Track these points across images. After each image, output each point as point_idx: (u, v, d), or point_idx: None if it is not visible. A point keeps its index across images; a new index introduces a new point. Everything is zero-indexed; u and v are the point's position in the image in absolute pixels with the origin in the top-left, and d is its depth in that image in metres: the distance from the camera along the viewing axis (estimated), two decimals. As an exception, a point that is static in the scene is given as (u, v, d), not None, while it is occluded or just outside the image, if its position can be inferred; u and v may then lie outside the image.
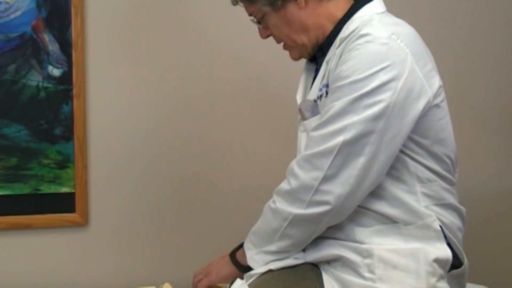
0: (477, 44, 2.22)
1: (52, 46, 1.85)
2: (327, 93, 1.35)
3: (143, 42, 1.94)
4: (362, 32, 1.30)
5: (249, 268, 1.42)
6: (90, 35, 1.88)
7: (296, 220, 1.33)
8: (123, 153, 1.97)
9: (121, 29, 1.92)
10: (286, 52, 1.48)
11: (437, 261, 1.35)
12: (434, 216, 1.36)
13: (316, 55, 1.45)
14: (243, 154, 2.04)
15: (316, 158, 1.28)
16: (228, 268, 1.45)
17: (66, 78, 1.86)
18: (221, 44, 1.97)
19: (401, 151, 1.33)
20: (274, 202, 1.36)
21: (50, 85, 1.85)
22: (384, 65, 1.27)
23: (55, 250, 1.95)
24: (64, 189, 1.90)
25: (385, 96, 1.26)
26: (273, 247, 1.38)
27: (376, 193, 1.34)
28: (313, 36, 1.40)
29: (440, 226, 1.36)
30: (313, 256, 1.42)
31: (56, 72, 1.85)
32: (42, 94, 1.85)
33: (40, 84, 1.85)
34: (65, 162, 1.89)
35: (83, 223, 1.93)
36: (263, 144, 2.03)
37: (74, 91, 1.88)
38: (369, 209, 1.36)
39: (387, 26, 1.32)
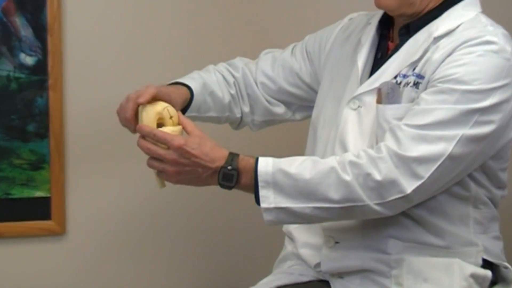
0: None
1: (25, 31, 1.80)
2: (417, 84, 1.32)
3: (127, 26, 1.90)
4: (488, 38, 1.29)
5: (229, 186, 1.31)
6: (67, 18, 1.83)
7: (359, 210, 1.27)
8: (105, 152, 1.92)
9: (103, 12, 1.87)
10: None
11: (474, 276, 1.34)
12: (481, 246, 1.37)
13: (396, 31, 1.42)
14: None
15: (416, 164, 1.24)
16: (212, 180, 1.32)
17: (40, 67, 1.82)
18: (215, 42, 1.95)
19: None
20: (348, 174, 1.26)
21: (22, 75, 1.81)
22: (504, 82, 1.27)
23: (28, 262, 1.90)
24: (39, 193, 1.85)
25: (496, 118, 1.27)
26: (303, 208, 1.30)
27: (427, 205, 1.33)
28: None
29: (483, 259, 1.37)
30: (328, 266, 1.39)
31: (29, 60, 1.81)
32: (14, 85, 1.81)
33: (11, 74, 1.80)
34: (39, 163, 1.85)
35: (60, 231, 1.88)
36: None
37: (50, 82, 1.83)
38: (413, 220, 1.34)
39: (508, 38, 1.33)
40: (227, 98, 1.56)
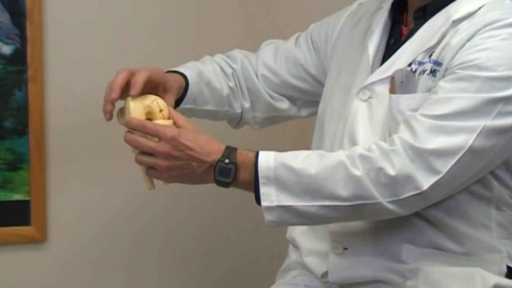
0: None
1: (1, 17, 1.77)
2: (434, 71, 1.29)
3: (114, 12, 1.88)
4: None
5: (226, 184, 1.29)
6: (48, 3, 1.81)
7: (370, 208, 1.24)
8: (90, 151, 1.89)
9: (88, -4, 1.87)
10: None
11: (498, 287, 1.30)
12: (504, 252, 1.33)
13: (411, 15, 1.40)
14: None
15: (434, 157, 1.21)
16: (207, 176, 1.29)
17: (19, 57, 1.79)
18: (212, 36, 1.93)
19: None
20: (358, 169, 1.22)
21: None
22: None
23: (5, 273, 1.86)
24: (17, 196, 1.83)
25: None
26: (308, 206, 1.26)
27: (445, 205, 1.30)
28: None
29: (508, 267, 1.34)
30: (336, 276, 1.37)
31: (6, 49, 1.78)
32: None
33: None
34: (17, 163, 1.82)
35: (41, 238, 1.85)
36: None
37: (29, 73, 1.80)
38: (429, 223, 1.31)
39: None
40: (225, 91, 1.54)
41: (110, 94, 1.31)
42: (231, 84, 1.54)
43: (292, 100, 1.59)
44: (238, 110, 1.57)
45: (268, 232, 1.85)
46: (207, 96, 1.50)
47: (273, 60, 1.56)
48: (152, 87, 1.35)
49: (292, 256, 1.48)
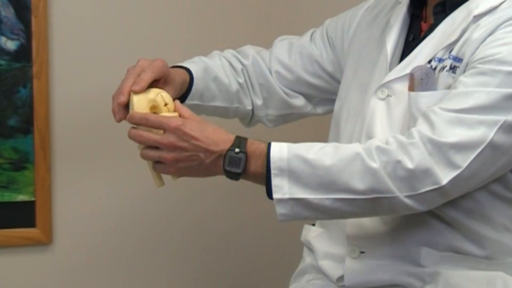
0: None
1: (6, 11, 1.77)
2: (454, 68, 1.29)
3: (121, 6, 1.87)
4: None
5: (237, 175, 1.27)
6: None
7: (387, 203, 1.22)
8: (97, 150, 1.88)
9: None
10: None
11: None
12: None
13: (430, 10, 1.39)
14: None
15: (453, 151, 1.20)
16: (216, 168, 1.28)
17: (23, 53, 1.79)
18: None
19: None
20: (375, 161, 1.21)
21: (2, 62, 1.77)
22: None
23: (10, 276, 1.86)
24: (21, 197, 1.82)
25: None
26: (322, 199, 1.25)
27: (465, 206, 1.30)
28: None
29: None
30: (352, 280, 1.36)
31: (10, 45, 1.77)
32: None
33: None
34: (22, 162, 1.81)
35: (46, 241, 1.85)
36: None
37: (34, 69, 1.79)
38: (448, 224, 1.31)
39: None
40: (234, 86, 1.53)
41: (119, 96, 1.31)
42: (241, 80, 1.53)
43: (308, 97, 1.58)
44: (249, 107, 1.55)
45: (281, 234, 1.85)
46: (214, 92, 1.49)
47: (288, 56, 1.55)
48: (153, 81, 1.36)
49: (307, 259, 1.48)
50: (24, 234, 1.82)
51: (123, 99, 1.29)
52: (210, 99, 1.49)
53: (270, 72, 1.55)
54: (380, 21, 1.48)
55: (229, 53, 1.57)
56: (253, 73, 1.55)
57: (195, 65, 1.46)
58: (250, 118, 1.58)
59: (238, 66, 1.54)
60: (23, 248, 1.83)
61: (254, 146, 1.25)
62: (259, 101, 1.55)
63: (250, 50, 1.58)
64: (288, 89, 1.56)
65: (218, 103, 1.50)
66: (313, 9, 1.93)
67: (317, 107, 1.60)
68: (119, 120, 1.31)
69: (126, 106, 1.31)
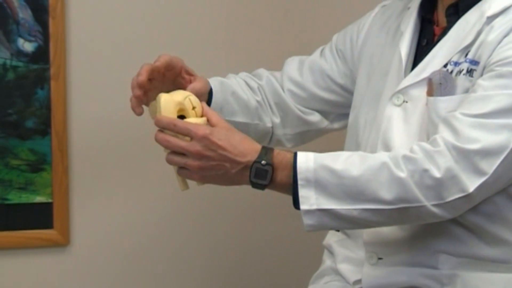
0: None
1: (23, 13, 1.78)
2: (471, 71, 1.28)
3: (139, 7, 1.87)
4: None
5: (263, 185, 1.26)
6: None
7: (414, 212, 1.22)
8: (115, 152, 1.88)
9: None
10: None
11: None
12: None
13: (442, 13, 1.39)
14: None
15: (479, 157, 1.19)
16: (242, 178, 1.27)
17: (41, 55, 1.80)
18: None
19: None
20: (402, 171, 1.21)
21: (20, 64, 1.78)
22: None
23: (27, 277, 1.86)
24: (39, 199, 1.82)
25: None
26: (350, 210, 1.25)
27: (484, 210, 1.29)
28: None
29: None
30: (370, 283, 1.37)
31: (28, 46, 1.78)
32: (10, 75, 1.78)
33: (8, 62, 1.78)
34: (40, 164, 1.82)
35: (63, 242, 1.85)
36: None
37: (52, 71, 1.80)
38: (467, 230, 1.30)
39: None
40: (253, 103, 1.52)
41: (138, 77, 1.31)
42: (258, 98, 1.53)
43: (323, 113, 1.58)
44: (269, 124, 1.55)
45: (303, 238, 1.83)
46: (234, 106, 1.48)
47: (299, 74, 1.55)
48: (174, 74, 1.37)
49: (327, 262, 1.48)
50: (42, 236, 1.82)
51: (141, 78, 1.30)
52: (231, 113, 1.48)
53: (283, 90, 1.56)
54: (389, 28, 1.48)
55: (243, 74, 1.57)
56: (269, 92, 1.55)
57: (211, 80, 1.46)
58: (270, 138, 1.58)
59: (254, 85, 1.54)
60: (40, 250, 1.83)
61: (281, 156, 1.24)
62: (277, 120, 1.55)
63: (263, 71, 1.58)
64: (302, 106, 1.56)
65: (238, 118, 1.49)
66: (322, 30, 1.91)
67: (333, 122, 1.60)
68: (140, 113, 1.32)
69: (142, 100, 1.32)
